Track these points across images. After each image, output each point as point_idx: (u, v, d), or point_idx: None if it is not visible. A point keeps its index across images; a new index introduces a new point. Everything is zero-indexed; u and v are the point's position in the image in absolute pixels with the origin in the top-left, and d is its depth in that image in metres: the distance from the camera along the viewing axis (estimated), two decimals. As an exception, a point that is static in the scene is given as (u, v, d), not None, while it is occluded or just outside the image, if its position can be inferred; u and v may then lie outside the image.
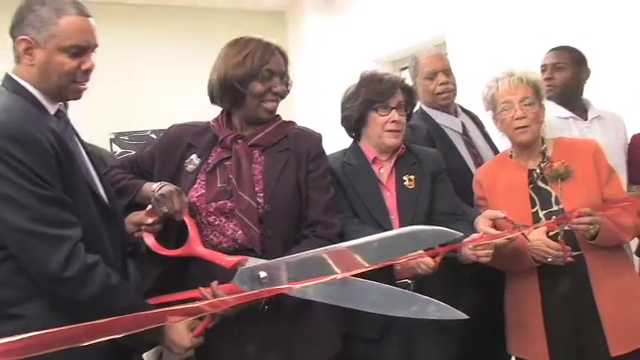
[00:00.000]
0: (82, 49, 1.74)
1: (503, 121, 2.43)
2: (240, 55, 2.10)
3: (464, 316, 1.76)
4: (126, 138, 5.58)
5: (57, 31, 1.70)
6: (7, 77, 1.77)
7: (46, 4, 1.71)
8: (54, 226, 1.62)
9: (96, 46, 1.79)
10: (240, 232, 1.97)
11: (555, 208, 2.33)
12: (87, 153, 1.90)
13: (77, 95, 1.80)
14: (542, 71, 3.11)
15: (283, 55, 2.16)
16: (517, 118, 2.37)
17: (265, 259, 1.90)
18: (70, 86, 1.76)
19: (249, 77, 2.07)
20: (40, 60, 1.71)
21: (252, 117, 2.12)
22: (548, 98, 3.03)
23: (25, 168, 1.59)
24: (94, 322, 1.12)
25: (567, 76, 3.10)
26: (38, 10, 1.71)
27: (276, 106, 2.13)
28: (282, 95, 2.13)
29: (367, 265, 1.68)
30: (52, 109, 1.78)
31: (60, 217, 1.64)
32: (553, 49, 3.16)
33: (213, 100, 2.20)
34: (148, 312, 1.29)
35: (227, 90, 2.12)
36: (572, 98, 3.12)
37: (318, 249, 1.78)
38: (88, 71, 1.77)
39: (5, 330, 1.54)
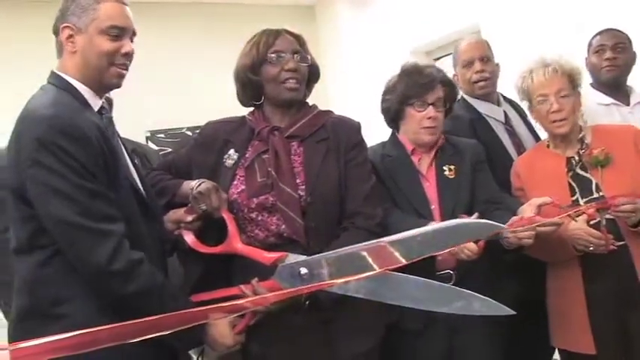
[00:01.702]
0: (121, 31, 1.78)
1: (540, 113, 2.41)
2: (246, 48, 2.13)
3: (510, 311, 1.73)
4: (162, 135, 5.62)
5: (96, 15, 1.76)
6: (52, 74, 1.81)
7: None
8: (101, 221, 1.64)
9: (134, 32, 1.84)
10: (284, 225, 1.97)
11: (596, 195, 2.29)
12: (132, 150, 1.93)
13: (117, 80, 1.82)
14: (597, 52, 3.04)
15: (295, 36, 2.15)
16: (554, 112, 2.35)
17: (309, 251, 1.91)
18: (110, 69, 1.79)
19: (259, 63, 2.08)
20: (81, 45, 1.77)
21: (278, 101, 2.11)
22: (605, 80, 3.01)
23: (74, 161, 1.62)
24: (138, 320, 1.13)
25: (630, 56, 3.06)
26: None
27: (296, 84, 2.08)
28: (299, 71, 2.09)
29: (407, 260, 1.66)
30: (96, 106, 1.81)
31: (106, 212, 1.66)
32: (607, 30, 3.08)
33: (240, 101, 2.21)
34: (190, 310, 1.30)
35: (244, 84, 2.14)
36: (622, 82, 3.07)
37: (358, 244, 1.76)
38: (127, 55, 1.80)
39: (51, 329, 1.55)
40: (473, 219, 2.03)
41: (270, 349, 1.96)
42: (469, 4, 4.75)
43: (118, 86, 1.85)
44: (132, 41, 1.83)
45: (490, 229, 1.75)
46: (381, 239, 1.73)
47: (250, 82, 2.12)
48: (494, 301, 1.73)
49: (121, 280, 1.64)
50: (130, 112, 1.94)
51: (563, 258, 2.31)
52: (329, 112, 2.20)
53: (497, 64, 3.00)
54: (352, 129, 2.15)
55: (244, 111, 2.22)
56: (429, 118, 2.35)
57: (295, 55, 2.09)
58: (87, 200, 1.63)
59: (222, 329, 1.82)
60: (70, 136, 1.63)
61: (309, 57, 2.14)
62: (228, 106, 2.26)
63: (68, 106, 1.71)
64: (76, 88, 1.77)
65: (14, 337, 1.68)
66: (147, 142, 5.53)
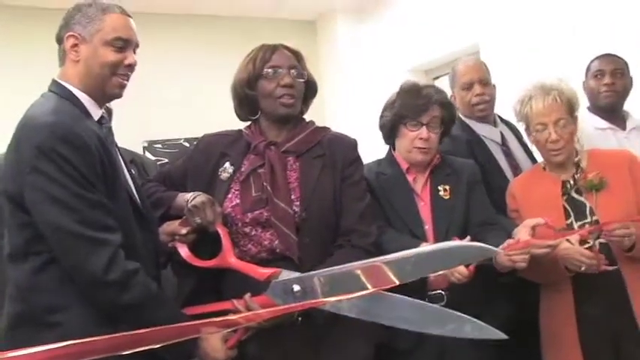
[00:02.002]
0: (125, 43, 1.81)
1: (538, 141, 2.42)
2: (243, 63, 2.14)
3: (502, 335, 1.73)
4: (159, 146, 5.60)
5: (102, 26, 1.78)
6: (54, 82, 1.82)
7: (92, 5, 1.81)
8: (98, 230, 1.65)
9: (137, 45, 1.86)
10: (277, 241, 1.97)
11: (590, 219, 2.30)
12: (130, 161, 1.93)
13: (119, 90, 1.84)
14: (596, 77, 3.05)
15: (292, 51, 2.16)
16: (552, 141, 2.35)
17: (302, 267, 1.91)
18: (112, 79, 1.80)
19: (255, 78, 2.09)
20: (85, 54, 1.79)
21: (274, 116, 2.11)
22: (603, 105, 3.02)
23: (73, 170, 1.63)
24: (131, 332, 1.13)
25: (627, 82, 3.08)
26: (85, 9, 1.80)
27: (292, 99, 2.08)
28: (294, 87, 2.09)
29: (400, 281, 1.66)
30: (96, 115, 1.82)
31: (104, 222, 1.67)
32: (606, 55, 3.10)
33: (237, 115, 2.22)
34: (184, 324, 1.30)
35: (240, 99, 2.15)
36: (619, 107, 3.08)
37: (352, 263, 1.76)
38: (130, 66, 1.83)
39: (43, 338, 1.55)
40: (466, 242, 2.03)
41: None
42: (469, 23, 4.78)
43: (119, 96, 1.86)
44: (135, 52, 1.86)
45: (484, 252, 1.75)
46: (375, 259, 1.73)
47: (247, 97, 2.13)
48: (485, 325, 1.73)
49: (116, 289, 1.64)
50: (127, 122, 1.94)
51: (555, 279, 2.31)
52: (326, 128, 2.21)
53: (494, 86, 3.01)
54: (349, 146, 2.16)
55: (242, 124, 2.23)
56: (422, 138, 2.36)
57: (292, 71, 2.10)
58: (85, 209, 1.63)
59: (215, 343, 1.81)
60: (71, 144, 1.64)
61: (305, 73, 2.15)
62: (227, 118, 2.27)
63: (69, 114, 1.72)
64: (77, 97, 1.78)
65: (6, 345, 1.67)
66: (144, 153, 5.51)
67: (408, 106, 2.37)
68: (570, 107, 2.39)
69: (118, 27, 1.80)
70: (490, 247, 1.78)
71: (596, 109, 3.07)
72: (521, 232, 2.22)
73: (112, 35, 1.78)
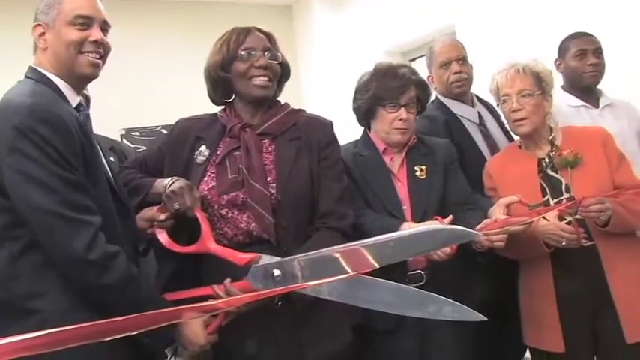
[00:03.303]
0: (87, 20, 1.79)
1: (504, 113, 2.45)
2: (216, 45, 2.13)
3: (481, 317, 1.75)
4: (136, 134, 5.58)
5: (61, 9, 1.78)
6: (30, 68, 1.82)
7: None
8: (78, 211, 1.64)
9: (104, 22, 1.85)
10: (253, 223, 1.97)
11: (566, 196, 2.32)
12: (110, 148, 1.92)
13: (92, 70, 1.82)
14: (578, 56, 3.05)
15: (265, 34, 2.15)
16: (513, 111, 2.37)
17: (279, 249, 1.91)
18: (79, 57, 1.79)
19: (229, 60, 2.09)
20: (50, 40, 1.79)
21: (248, 98, 2.11)
22: (587, 85, 3.05)
23: (53, 150, 1.62)
24: (112, 319, 1.13)
25: (604, 62, 3.08)
26: None
27: (266, 81, 2.08)
28: (269, 68, 2.09)
29: (380, 264, 1.67)
30: (73, 101, 1.81)
31: (84, 203, 1.66)
32: (583, 35, 3.10)
33: (211, 99, 2.21)
34: (163, 310, 1.30)
35: (214, 81, 2.14)
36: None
37: (332, 247, 1.75)
38: (97, 43, 1.81)
39: (23, 324, 1.56)
40: (447, 223, 2.05)
41: (240, 350, 1.96)
42: (444, 5, 4.78)
43: (94, 76, 1.85)
44: (105, 31, 1.84)
45: (464, 235, 1.75)
46: (356, 242, 1.73)
47: (221, 80, 2.12)
48: (465, 307, 1.74)
49: (96, 270, 1.64)
50: (105, 110, 1.94)
51: (534, 255, 2.33)
52: (301, 110, 2.21)
53: (470, 65, 3.02)
54: (325, 128, 2.16)
55: (219, 109, 2.22)
56: (401, 119, 2.36)
57: (266, 53, 2.09)
58: (65, 190, 1.63)
59: (196, 328, 1.82)
60: (50, 125, 1.63)
61: (279, 55, 2.14)
62: (204, 104, 2.26)
63: (47, 97, 1.72)
64: (53, 82, 1.78)
65: None
66: (122, 140, 5.49)
67: (386, 88, 2.37)
68: (537, 81, 2.39)
69: (77, 6, 1.79)
70: (471, 230, 1.79)
71: (575, 88, 3.08)
72: (496, 211, 2.24)
73: (71, 15, 1.77)
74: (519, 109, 2.36)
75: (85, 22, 1.79)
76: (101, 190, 1.77)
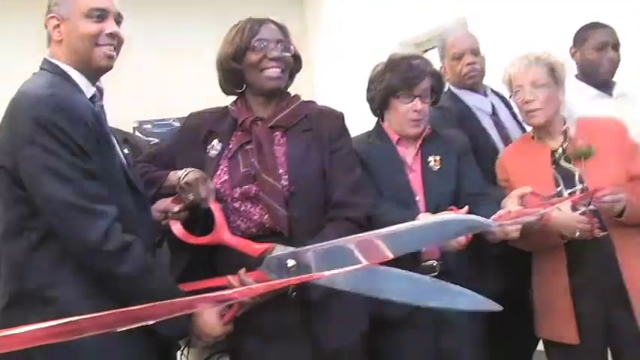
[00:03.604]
0: (103, 12, 1.80)
1: (517, 104, 2.45)
2: (229, 35, 2.12)
3: (497, 306, 1.75)
4: (149, 126, 5.61)
5: (76, 1, 1.79)
6: (45, 60, 1.83)
7: None
8: (94, 201, 1.66)
9: (119, 14, 1.86)
10: (266, 216, 1.97)
11: (579, 186, 2.31)
12: (123, 140, 1.94)
13: (107, 62, 1.84)
14: (597, 48, 3.00)
15: (279, 26, 2.14)
16: (527, 102, 2.36)
17: (292, 242, 1.91)
18: (95, 50, 1.80)
19: (242, 51, 2.08)
20: (65, 32, 1.80)
21: (259, 89, 2.11)
22: (605, 79, 3.02)
23: (70, 141, 1.64)
24: (127, 308, 1.13)
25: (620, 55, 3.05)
26: None
27: (279, 72, 2.07)
28: (282, 60, 2.09)
29: (394, 255, 1.67)
30: (88, 93, 1.82)
31: (100, 193, 1.68)
32: (604, 26, 3.04)
33: (222, 89, 2.21)
34: (179, 300, 1.31)
35: (226, 72, 2.13)
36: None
37: (346, 237, 1.76)
38: (112, 35, 1.82)
39: (41, 313, 1.57)
40: (462, 213, 2.04)
41: (254, 341, 1.97)
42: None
43: (109, 68, 1.86)
44: (118, 23, 1.85)
45: (479, 225, 1.75)
46: (370, 232, 1.73)
47: (233, 70, 2.11)
48: (480, 296, 1.74)
49: (113, 260, 1.66)
50: (118, 103, 1.95)
51: (548, 246, 2.33)
52: (312, 102, 2.21)
53: (483, 57, 3.01)
54: (336, 119, 2.16)
55: (230, 101, 2.22)
56: (416, 111, 2.35)
57: (279, 45, 2.09)
58: (82, 180, 1.64)
59: (210, 319, 1.83)
60: (67, 116, 1.64)
61: (292, 47, 2.14)
62: (216, 96, 2.26)
63: (63, 88, 1.73)
64: (67, 74, 1.79)
65: (2, 323, 1.68)
66: (134, 133, 5.52)
67: (400, 79, 2.36)
68: (551, 72, 2.38)
69: None
70: (486, 219, 1.79)
71: (591, 79, 3.05)
72: (509, 202, 2.23)
73: (87, 7, 1.78)
74: (533, 100, 2.35)
75: (101, 14, 1.80)
76: (117, 180, 1.78)
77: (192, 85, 5.19)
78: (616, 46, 3.01)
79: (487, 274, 2.34)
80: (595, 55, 3.01)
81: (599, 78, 3.03)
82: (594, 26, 3.07)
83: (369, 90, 2.49)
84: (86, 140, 1.67)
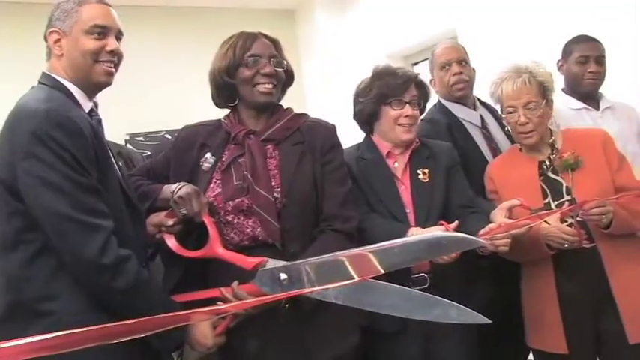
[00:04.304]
0: (104, 30, 1.84)
1: (509, 123, 2.45)
2: (222, 50, 2.14)
3: (485, 320, 1.77)
4: (140, 139, 5.60)
5: (79, 17, 1.82)
6: (43, 74, 1.86)
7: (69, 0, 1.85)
8: (91, 215, 1.67)
9: (120, 32, 1.90)
10: (259, 228, 1.99)
11: (567, 198, 2.34)
12: (117, 153, 1.95)
13: (106, 78, 1.87)
14: (580, 62, 3.07)
15: (272, 40, 2.17)
16: (521, 124, 2.38)
17: (285, 253, 1.94)
18: (96, 66, 1.83)
19: (234, 66, 2.10)
20: (67, 47, 1.83)
21: (252, 104, 2.13)
22: (586, 91, 3.07)
23: (68, 154, 1.65)
24: (123, 322, 1.15)
25: (606, 68, 3.10)
26: (63, 4, 1.85)
27: (271, 88, 2.10)
28: (274, 76, 2.11)
29: (385, 270, 1.69)
30: (86, 107, 1.84)
31: (97, 207, 1.69)
32: (588, 40, 3.11)
33: (215, 103, 2.23)
34: (174, 313, 1.32)
35: (219, 86, 2.16)
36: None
37: (338, 252, 1.77)
38: (112, 52, 1.85)
39: (36, 326, 1.60)
40: (452, 228, 2.06)
41: (247, 351, 1.98)
42: (446, 9, 4.81)
43: (108, 84, 1.89)
44: (119, 40, 1.89)
45: (469, 243, 1.77)
46: (362, 248, 1.75)
47: (225, 85, 2.13)
48: (470, 310, 1.76)
49: (109, 274, 1.66)
50: (109, 115, 1.96)
51: (536, 257, 2.34)
52: (304, 115, 2.23)
53: (473, 69, 3.03)
54: (328, 132, 2.18)
55: (223, 114, 2.24)
56: (407, 116, 2.38)
57: (272, 60, 2.11)
58: (79, 194, 1.66)
59: (204, 330, 1.84)
60: (65, 130, 1.66)
61: (285, 62, 2.17)
62: (208, 109, 2.28)
63: (61, 102, 1.75)
64: (66, 87, 1.81)
65: None
66: (126, 145, 5.52)
67: (389, 86, 2.39)
68: (542, 90, 2.40)
69: (95, 15, 1.83)
70: (476, 238, 1.81)
71: (575, 93, 3.10)
72: (497, 215, 2.25)
73: (89, 24, 1.82)
74: (527, 123, 2.37)
75: (102, 31, 1.83)
76: (113, 194, 1.80)
77: (184, 98, 5.20)
78: (599, 59, 3.06)
79: (477, 285, 2.36)
80: (577, 68, 3.08)
81: (581, 90, 3.08)
82: (579, 40, 3.12)
83: (357, 103, 2.51)
84: (84, 154, 1.68)
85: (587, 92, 3.08)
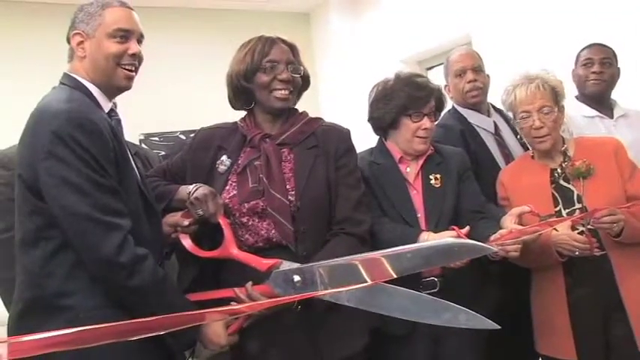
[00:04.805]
0: (127, 33, 1.87)
1: (523, 129, 2.46)
2: (241, 53, 2.16)
3: (494, 325, 1.78)
4: (155, 139, 5.63)
5: (102, 20, 1.85)
6: (65, 75, 1.89)
7: (93, 2, 1.89)
8: (109, 214, 1.70)
9: (141, 35, 1.93)
10: (273, 230, 2.01)
11: (578, 206, 2.34)
12: (134, 153, 1.98)
13: (127, 82, 1.90)
14: (585, 65, 3.11)
15: (290, 46, 2.18)
16: (535, 128, 2.39)
17: (298, 255, 1.96)
18: (117, 70, 1.87)
19: (252, 71, 2.12)
20: (90, 49, 1.86)
21: (268, 109, 2.16)
22: (591, 93, 3.08)
23: (88, 155, 1.68)
24: (139, 320, 1.17)
25: (614, 72, 3.13)
26: (87, 7, 1.88)
27: (288, 94, 2.13)
28: (291, 82, 2.13)
29: (397, 274, 1.72)
30: (106, 107, 1.88)
31: (115, 206, 1.72)
32: (595, 45, 3.15)
33: (231, 105, 2.25)
34: (188, 312, 1.35)
35: (236, 90, 2.18)
36: (607, 96, 3.14)
37: (352, 256, 1.80)
38: (134, 56, 1.89)
39: (55, 321, 1.62)
40: (464, 234, 2.08)
41: (258, 351, 2.00)
42: (461, 14, 4.82)
43: (128, 88, 1.93)
44: (140, 43, 1.92)
45: (480, 250, 1.79)
46: (375, 252, 1.77)
47: (242, 89, 2.16)
48: (479, 315, 1.77)
49: (126, 272, 1.69)
50: (124, 115, 1.99)
51: (546, 264, 2.35)
52: (319, 119, 2.25)
53: (487, 75, 3.04)
54: (342, 136, 2.19)
55: (238, 115, 2.27)
56: (425, 128, 2.40)
57: (289, 66, 2.13)
58: (98, 193, 1.69)
59: (218, 329, 1.87)
60: (86, 130, 1.69)
61: (302, 68, 2.19)
62: (222, 110, 2.30)
63: (83, 103, 1.78)
64: (87, 88, 1.85)
65: (17, 329, 1.72)
66: (140, 145, 5.55)
67: (411, 98, 2.40)
68: (555, 95, 2.42)
69: (118, 19, 1.86)
70: (487, 245, 1.83)
71: (584, 97, 3.12)
72: (507, 221, 2.26)
73: (112, 27, 1.85)
74: (541, 127, 2.38)
75: (125, 35, 1.87)
76: (132, 194, 1.83)
77: (198, 99, 5.24)
78: (603, 62, 3.08)
79: (487, 290, 2.36)
80: (582, 70, 3.12)
81: (586, 91, 3.11)
82: (587, 46, 3.17)
83: (376, 109, 2.51)
84: (103, 155, 1.72)
85: (592, 94, 3.10)
